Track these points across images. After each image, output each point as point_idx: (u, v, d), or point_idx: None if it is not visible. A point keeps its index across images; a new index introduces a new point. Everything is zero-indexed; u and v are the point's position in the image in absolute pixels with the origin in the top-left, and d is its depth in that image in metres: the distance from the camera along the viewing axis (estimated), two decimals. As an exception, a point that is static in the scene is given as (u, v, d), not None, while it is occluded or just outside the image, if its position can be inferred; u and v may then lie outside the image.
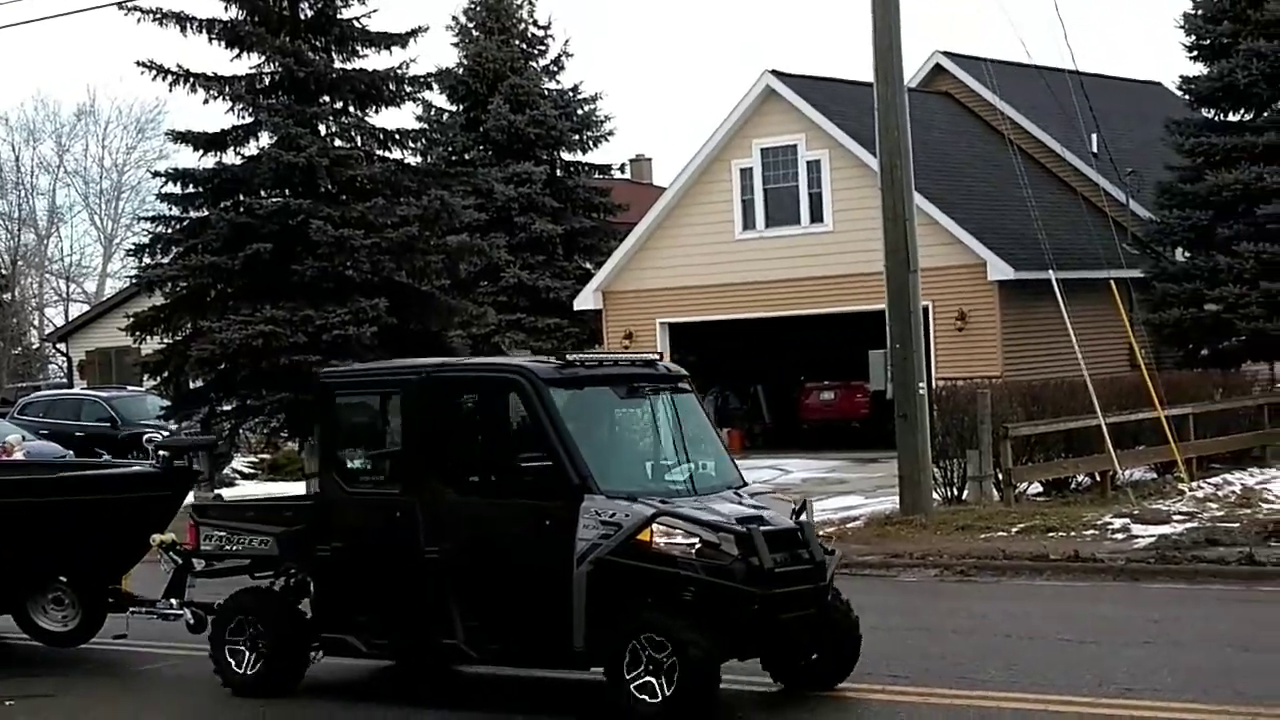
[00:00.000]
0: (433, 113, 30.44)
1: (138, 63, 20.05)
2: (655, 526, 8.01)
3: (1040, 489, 18.12)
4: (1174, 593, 11.96)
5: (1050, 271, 18.27)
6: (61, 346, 39.67)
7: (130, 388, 28.73)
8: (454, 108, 30.71)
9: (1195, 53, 24.21)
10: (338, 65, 20.71)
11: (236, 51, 20.41)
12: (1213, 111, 24.22)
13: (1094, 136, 24.13)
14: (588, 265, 29.19)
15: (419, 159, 23.41)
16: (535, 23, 31.39)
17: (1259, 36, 23.29)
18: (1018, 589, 12.52)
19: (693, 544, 8.00)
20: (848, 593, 8.83)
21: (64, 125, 64.08)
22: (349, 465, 9.29)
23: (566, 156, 30.74)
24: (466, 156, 29.63)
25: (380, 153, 21.01)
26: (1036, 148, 26.77)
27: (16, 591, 10.74)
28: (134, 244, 22.16)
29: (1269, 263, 22.64)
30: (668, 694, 7.79)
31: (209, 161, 20.56)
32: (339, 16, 20.73)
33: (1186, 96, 24.53)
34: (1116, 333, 20.18)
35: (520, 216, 28.84)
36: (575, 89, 31.21)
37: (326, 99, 20.66)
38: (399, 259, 20.21)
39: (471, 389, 9.02)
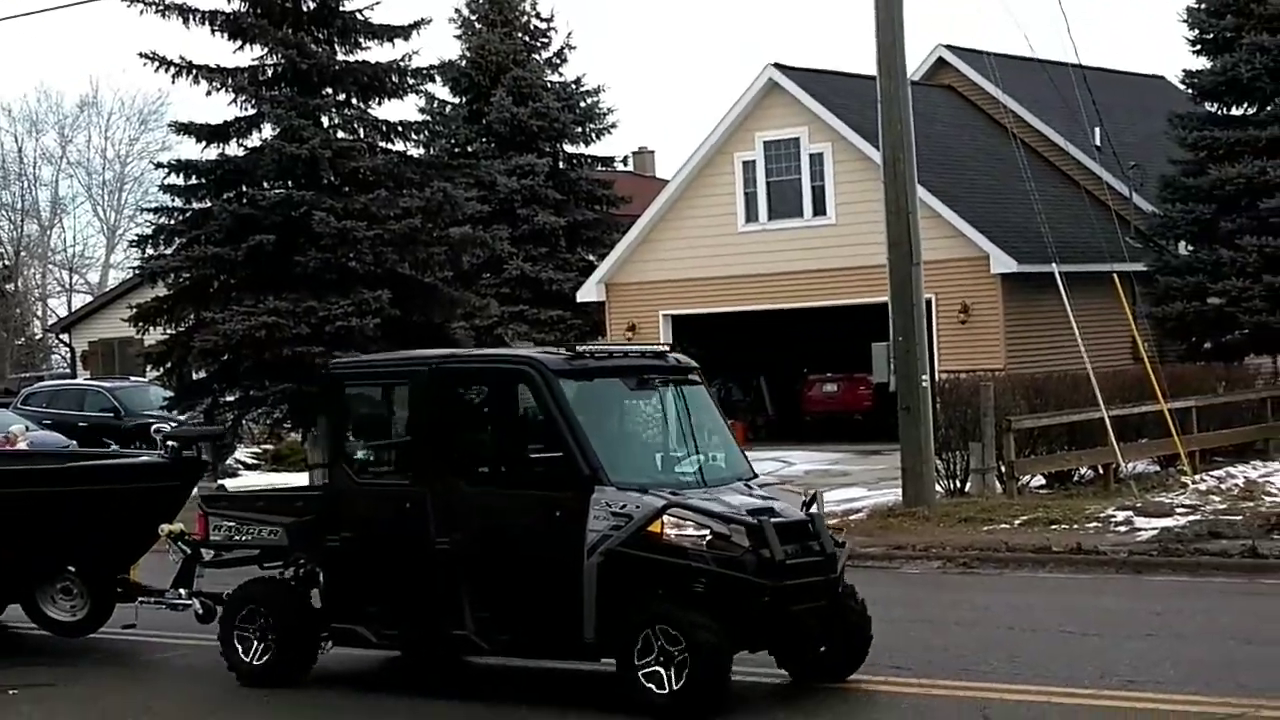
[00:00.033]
0: (435, 105, 30.42)
1: (140, 54, 20.10)
2: (666, 518, 8.02)
3: (1043, 481, 18.14)
4: (1176, 585, 11.99)
5: (1053, 264, 18.31)
6: (65, 337, 39.72)
7: (133, 378, 28.78)
8: (456, 100, 30.71)
9: (1198, 46, 24.20)
10: (340, 57, 20.70)
11: (239, 43, 20.41)
12: (1216, 105, 24.21)
13: (1097, 130, 24.17)
14: (590, 257, 29.20)
15: (422, 151, 23.41)
16: (538, 15, 31.40)
17: (1262, 30, 23.28)
18: (1020, 581, 12.54)
19: (704, 536, 8.02)
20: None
21: (67, 116, 64.09)
22: (358, 456, 9.32)
23: (569, 149, 30.75)
24: (469, 149, 29.62)
25: (383, 145, 21.01)
26: (1039, 141, 26.78)
27: (26, 581, 10.76)
28: (137, 235, 22.19)
29: (1272, 256, 22.64)
30: (678, 685, 7.80)
31: (212, 153, 20.60)
32: (341, 9, 20.72)
33: (1189, 90, 24.52)
34: (1119, 326, 20.21)
35: (523, 209, 28.85)
36: (578, 81, 31.22)
37: (329, 91, 20.66)
38: (402, 251, 20.22)
39: (481, 380, 9.04)
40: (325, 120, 20.61)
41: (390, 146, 21.10)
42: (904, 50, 15.78)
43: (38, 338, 49.45)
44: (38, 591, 10.79)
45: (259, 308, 19.36)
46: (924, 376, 15.64)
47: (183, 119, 20.85)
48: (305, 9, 20.54)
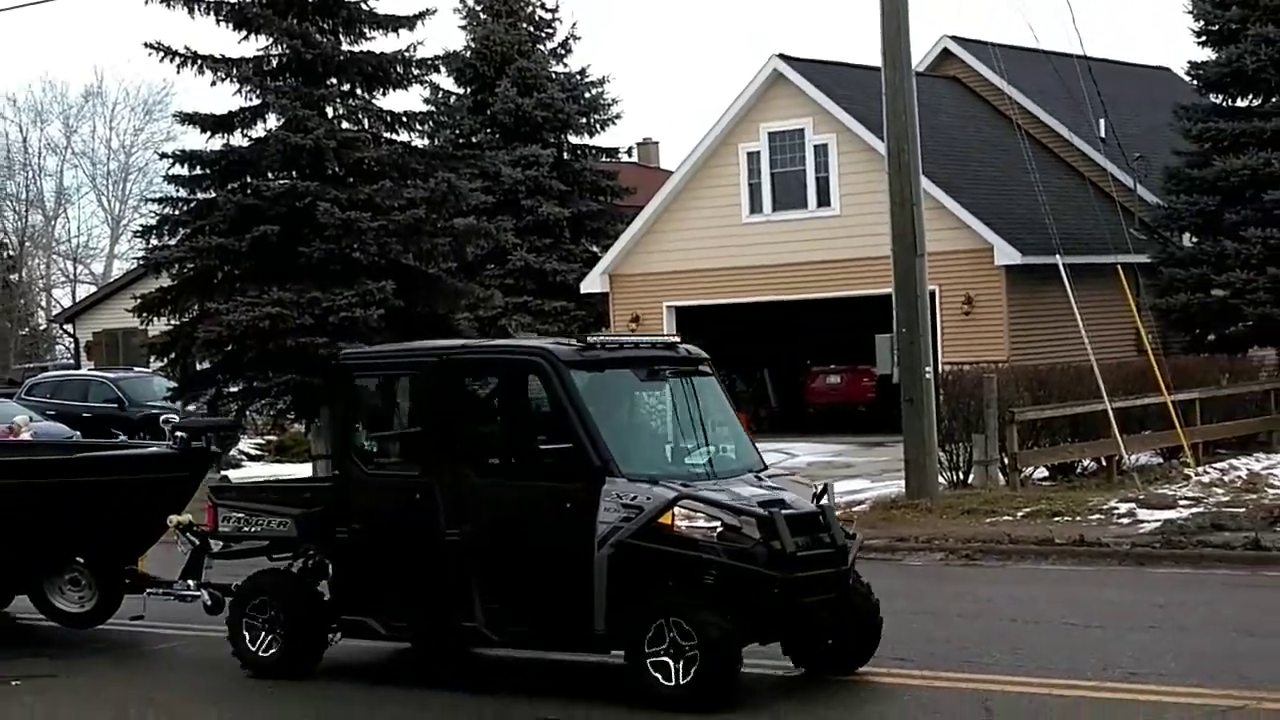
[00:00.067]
0: (440, 95, 30.41)
1: (145, 44, 20.14)
2: (677, 510, 8.03)
3: (1046, 473, 18.17)
4: (1179, 577, 12.00)
5: (1057, 256, 18.31)
6: (69, 327, 39.71)
7: (137, 369, 28.78)
8: (461, 90, 30.68)
9: (1204, 38, 24.18)
10: (345, 47, 20.69)
11: (244, 33, 20.40)
12: (1221, 97, 24.19)
13: (1102, 121, 24.12)
14: (595, 248, 29.19)
15: (426, 142, 23.39)
16: (543, 6, 31.35)
17: (1268, 22, 23.26)
18: (1023, 573, 12.55)
19: (714, 527, 8.05)
20: (853, 576, 8.85)
21: (71, 107, 64.19)
22: (368, 447, 9.31)
23: (574, 140, 30.72)
24: (474, 139, 29.59)
25: (387, 135, 21.01)
26: (1044, 132, 26.76)
27: (34, 572, 10.77)
28: (141, 225, 22.17)
29: (1276, 248, 22.64)
30: (689, 677, 7.80)
31: (216, 143, 20.59)
32: (346, -1, 20.72)
33: (1194, 82, 24.50)
34: (1123, 318, 20.21)
35: (527, 199, 28.84)
36: (583, 72, 31.19)
37: (334, 81, 20.66)
38: (406, 241, 20.23)
39: (491, 371, 9.02)
40: (330, 111, 20.61)
41: (395, 137, 21.12)
42: (909, 41, 15.77)
43: (42, 328, 49.47)
44: (46, 583, 10.79)
45: (263, 298, 19.38)
46: (927, 368, 15.64)
47: (187, 109, 20.89)
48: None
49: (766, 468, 8.92)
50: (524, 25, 30.68)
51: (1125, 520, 14.29)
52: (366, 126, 20.84)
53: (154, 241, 20.86)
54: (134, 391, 26.26)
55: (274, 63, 20.49)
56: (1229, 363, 21.97)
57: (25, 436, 19.99)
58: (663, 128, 77.82)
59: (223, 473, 19.84)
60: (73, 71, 79.69)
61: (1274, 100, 23.65)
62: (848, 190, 24.20)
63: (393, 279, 19.82)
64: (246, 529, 9.53)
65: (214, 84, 20.36)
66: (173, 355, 20.88)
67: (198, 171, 20.57)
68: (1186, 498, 15.22)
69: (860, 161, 23.74)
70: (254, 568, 9.65)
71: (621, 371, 8.73)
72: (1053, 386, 18.32)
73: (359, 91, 20.89)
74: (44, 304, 51.92)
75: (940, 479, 16.26)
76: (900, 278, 15.68)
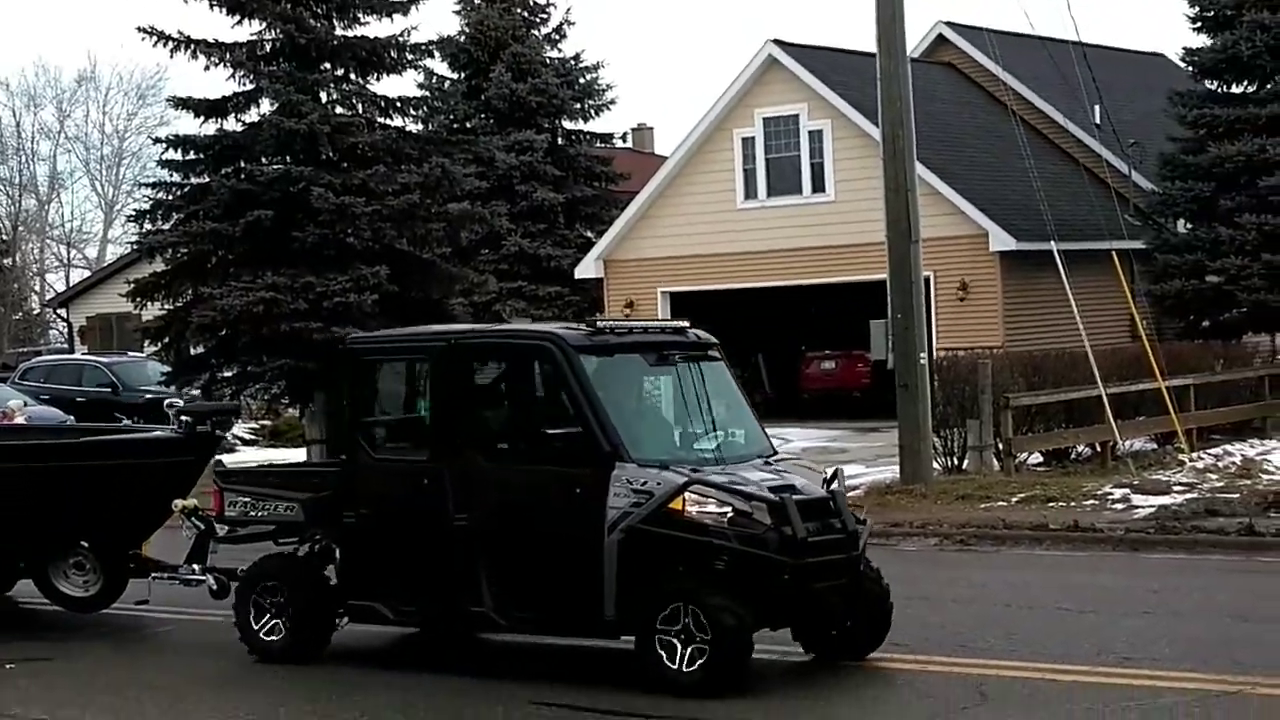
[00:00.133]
0: (434, 81, 30.32)
1: (139, 28, 19.98)
2: (687, 495, 8.01)
3: (1040, 459, 18.22)
4: (1173, 563, 12.05)
5: (1052, 242, 18.36)
6: (62, 312, 39.55)
7: (131, 353, 28.70)
8: (455, 76, 30.58)
9: (1199, 24, 24.22)
10: (339, 32, 20.61)
11: (237, 18, 20.31)
12: (1216, 83, 24.24)
13: (1096, 108, 24.17)
14: (589, 234, 29.16)
15: (420, 127, 23.34)
16: (537, -10, 31.22)
17: (1263, 8, 23.31)
18: (1017, 558, 12.59)
19: (725, 513, 8.02)
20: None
21: (65, 91, 63.48)
22: (376, 432, 9.29)
23: (568, 125, 30.66)
24: (468, 124, 29.51)
25: (381, 120, 20.94)
26: (1039, 119, 26.79)
27: (39, 556, 10.75)
28: (135, 210, 22.10)
29: (1271, 234, 22.71)
30: (700, 663, 7.80)
31: (210, 128, 20.50)
32: (340, -17, 20.61)
33: (1189, 68, 24.55)
34: (1118, 304, 20.28)
35: (521, 185, 28.78)
36: (577, 57, 31.11)
37: (328, 66, 20.58)
38: (400, 226, 20.19)
39: (500, 355, 9.00)
40: (324, 95, 20.54)
41: (389, 122, 21.05)
42: (904, 27, 15.79)
43: (35, 313, 49.25)
44: (50, 567, 10.77)
45: (257, 283, 19.34)
46: (922, 354, 15.68)
47: (181, 94, 20.81)
48: (303, -16, 20.43)
49: (776, 453, 8.92)
50: (518, 10, 30.57)
51: (1120, 506, 14.35)
52: (360, 111, 20.77)
53: (148, 226, 20.80)
54: (128, 376, 26.19)
55: (268, 47, 20.40)
56: (1223, 349, 22.04)
57: (19, 421, 19.93)
58: (657, 113, 77.67)
59: (217, 457, 19.78)
60: (66, 56, 79.27)
61: (1269, 86, 23.71)
62: (842, 176, 24.21)
63: (387, 264, 19.78)
64: (253, 513, 9.51)
65: (207, 69, 20.27)
66: (167, 340, 20.84)
67: (191, 156, 20.49)
68: (1181, 483, 15.30)
69: (855, 147, 23.74)
70: (260, 552, 9.63)
71: (631, 356, 8.71)
72: (1047, 372, 18.37)
73: (353, 76, 20.81)
74: (38, 289, 51.71)
75: (935, 464, 16.32)
76: (895, 263, 15.71)
